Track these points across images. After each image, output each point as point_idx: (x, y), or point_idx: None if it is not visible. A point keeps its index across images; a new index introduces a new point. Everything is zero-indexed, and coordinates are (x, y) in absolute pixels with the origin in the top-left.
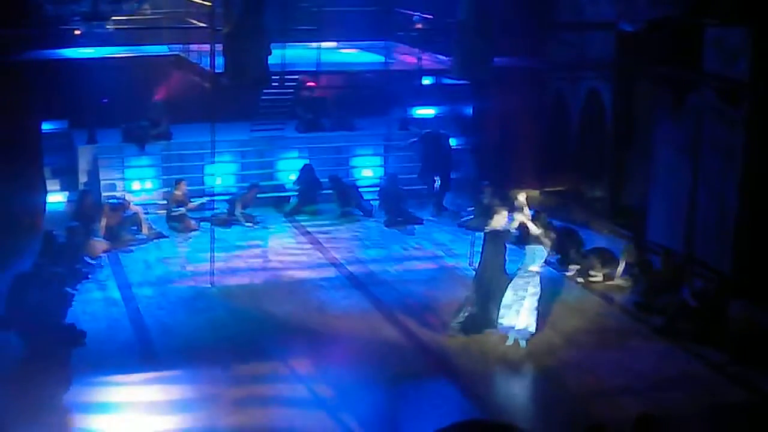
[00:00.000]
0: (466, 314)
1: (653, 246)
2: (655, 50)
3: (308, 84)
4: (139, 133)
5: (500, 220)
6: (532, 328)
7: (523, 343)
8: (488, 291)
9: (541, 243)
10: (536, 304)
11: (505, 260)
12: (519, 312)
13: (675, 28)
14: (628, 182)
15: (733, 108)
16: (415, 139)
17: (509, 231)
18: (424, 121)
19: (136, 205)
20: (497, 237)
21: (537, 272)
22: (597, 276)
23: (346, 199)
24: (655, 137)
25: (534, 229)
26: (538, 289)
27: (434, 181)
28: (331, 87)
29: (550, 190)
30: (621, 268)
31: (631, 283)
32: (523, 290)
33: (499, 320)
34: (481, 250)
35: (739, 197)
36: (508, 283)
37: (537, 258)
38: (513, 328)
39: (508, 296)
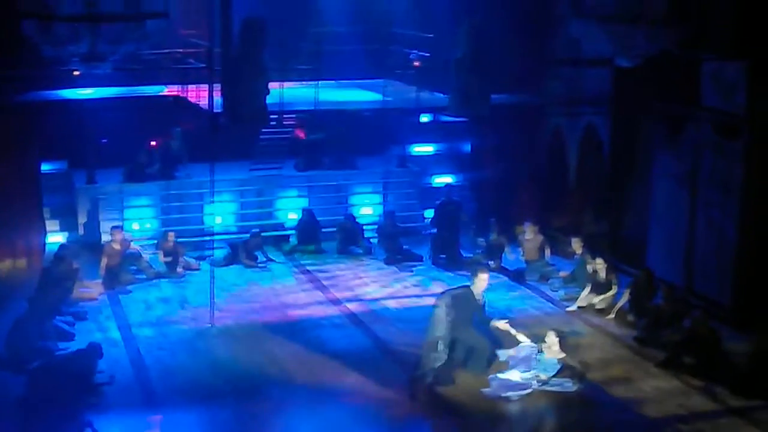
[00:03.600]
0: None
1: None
2: (652, 85)
3: (298, 133)
4: (140, 172)
5: (481, 285)
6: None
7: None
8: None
9: (553, 354)
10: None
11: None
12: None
13: (672, 63)
14: (628, 216)
15: (731, 141)
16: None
17: (482, 301)
18: (421, 159)
19: (136, 245)
20: (466, 301)
21: (546, 380)
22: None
23: (349, 237)
24: (653, 171)
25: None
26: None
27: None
28: (329, 125)
29: (550, 226)
30: (623, 301)
31: (633, 318)
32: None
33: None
34: (447, 309)
35: (738, 230)
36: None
37: (549, 368)
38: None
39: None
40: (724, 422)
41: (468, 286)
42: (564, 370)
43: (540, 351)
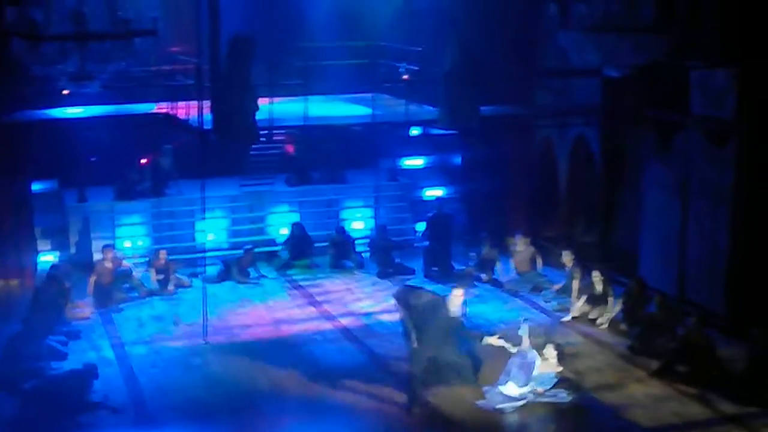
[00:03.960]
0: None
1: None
2: (641, 94)
3: (290, 144)
4: (130, 190)
5: (456, 302)
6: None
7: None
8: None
9: (551, 367)
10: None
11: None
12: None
13: (660, 71)
14: (619, 225)
15: (721, 148)
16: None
17: (455, 317)
18: (411, 172)
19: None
20: (433, 307)
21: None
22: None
23: (340, 251)
24: (644, 180)
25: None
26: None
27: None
28: (319, 140)
29: (539, 237)
30: (616, 310)
31: (626, 327)
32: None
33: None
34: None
35: (729, 237)
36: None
37: (545, 382)
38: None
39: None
40: (719, 430)
41: (443, 297)
42: (560, 383)
43: (539, 356)
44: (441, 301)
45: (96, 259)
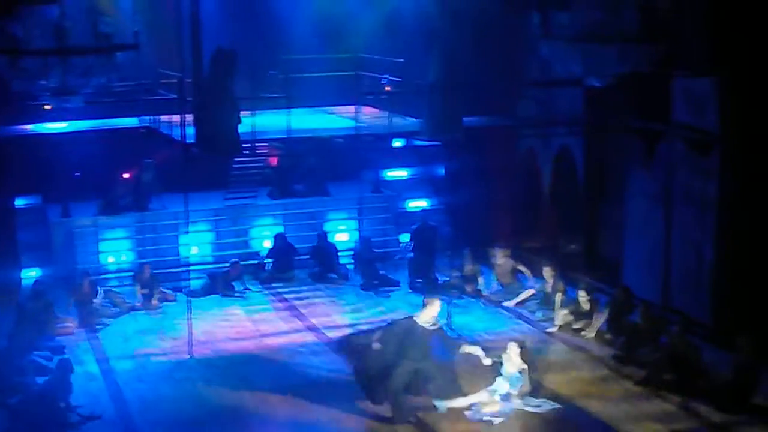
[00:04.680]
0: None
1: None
2: (624, 103)
3: (273, 157)
4: (114, 204)
5: (431, 313)
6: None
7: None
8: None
9: (519, 370)
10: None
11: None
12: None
13: (643, 81)
14: (603, 235)
15: (705, 157)
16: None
17: (434, 329)
18: (395, 184)
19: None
20: (408, 332)
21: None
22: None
23: (324, 262)
24: (628, 189)
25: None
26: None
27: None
28: (302, 153)
29: (524, 247)
30: (601, 320)
31: (611, 336)
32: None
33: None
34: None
35: (714, 245)
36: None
37: (513, 382)
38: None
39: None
40: None
41: (410, 317)
42: (525, 383)
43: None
44: (411, 323)
45: (76, 282)
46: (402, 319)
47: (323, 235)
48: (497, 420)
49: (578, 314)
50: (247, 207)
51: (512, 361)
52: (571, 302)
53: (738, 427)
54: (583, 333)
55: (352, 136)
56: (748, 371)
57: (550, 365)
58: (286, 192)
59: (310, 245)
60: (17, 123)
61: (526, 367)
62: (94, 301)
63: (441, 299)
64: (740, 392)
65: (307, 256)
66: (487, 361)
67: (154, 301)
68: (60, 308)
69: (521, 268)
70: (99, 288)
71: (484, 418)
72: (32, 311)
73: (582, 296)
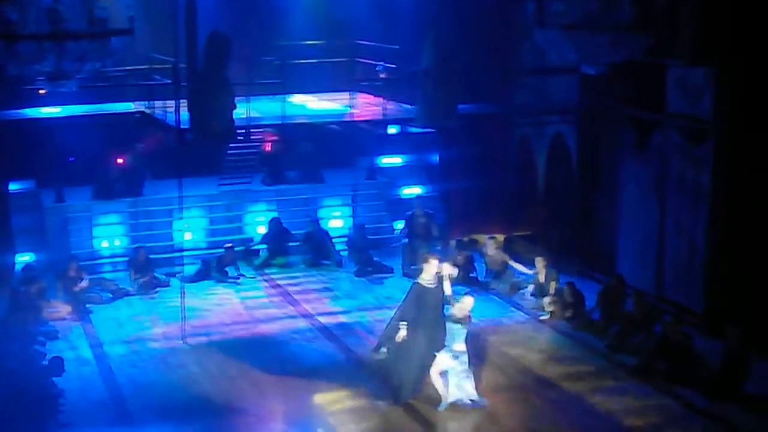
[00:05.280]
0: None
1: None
2: (618, 92)
3: (267, 143)
4: (108, 189)
5: (431, 270)
6: (474, 396)
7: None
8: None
9: (459, 321)
10: (465, 378)
11: (436, 318)
12: (457, 386)
13: (638, 69)
14: (596, 224)
15: (698, 147)
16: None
17: (439, 288)
18: (389, 171)
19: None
20: (424, 294)
21: (464, 351)
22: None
23: (318, 249)
24: (621, 178)
25: (448, 289)
26: (465, 366)
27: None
28: (296, 139)
29: (518, 235)
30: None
31: (604, 325)
32: (452, 367)
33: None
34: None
35: (707, 235)
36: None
37: (456, 337)
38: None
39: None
40: (698, 426)
41: (415, 282)
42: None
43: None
44: (416, 286)
45: (63, 269)
46: (408, 290)
47: (315, 222)
48: (469, 405)
49: (565, 304)
50: (242, 193)
51: (461, 306)
52: (560, 292)
53: (731, 415)
54: (575, 319)
55: (346, 122)
56: (737, 360)
57: (541, 353)
58: (280, 178)
59: (305, 231)
60: (11, 107)
61: (469, 314)
62: (79, 285)
63: (438, 257)
64: (729, 381)
65: (302, 241)
66: (448, 290)
67: (149, 286)
68: (52, 293)
69: (511, 262)
70: (85, 275)
71: (459, 404)
72: (25, 296)
73: (566, 291)
